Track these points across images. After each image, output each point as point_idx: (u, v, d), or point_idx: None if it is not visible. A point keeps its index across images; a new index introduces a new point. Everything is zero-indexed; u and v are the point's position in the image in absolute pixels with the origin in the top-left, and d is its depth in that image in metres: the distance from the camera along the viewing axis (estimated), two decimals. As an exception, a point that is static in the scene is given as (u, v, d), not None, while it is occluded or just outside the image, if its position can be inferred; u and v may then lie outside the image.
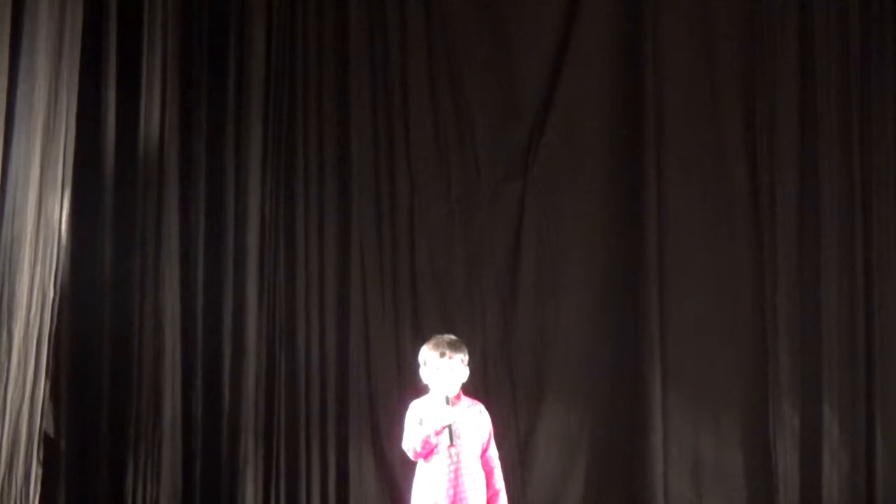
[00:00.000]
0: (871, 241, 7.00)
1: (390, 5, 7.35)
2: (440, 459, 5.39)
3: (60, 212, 5.91)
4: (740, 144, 7.22)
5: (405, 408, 5.58)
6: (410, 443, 5.44)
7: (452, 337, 5.56)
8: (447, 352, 5.45)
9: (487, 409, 5.67)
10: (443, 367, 5.44)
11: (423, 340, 5.66)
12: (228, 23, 7.08)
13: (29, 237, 5.65)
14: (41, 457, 5.90)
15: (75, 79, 6.06)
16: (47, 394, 5.90)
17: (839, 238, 7.02)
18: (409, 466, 5.67)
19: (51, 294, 5.88)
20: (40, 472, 5.87)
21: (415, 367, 5.61)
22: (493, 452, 5.59)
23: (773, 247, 7.10)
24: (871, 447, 6.87)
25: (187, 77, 6.96)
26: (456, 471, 5.39)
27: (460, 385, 5.52)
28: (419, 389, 5.65)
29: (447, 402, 5.39)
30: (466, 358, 5.49)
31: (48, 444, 6.04)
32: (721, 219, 7.21)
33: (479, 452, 5.51)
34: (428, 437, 5.35)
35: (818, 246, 7.04)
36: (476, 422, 5.53)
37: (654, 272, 7.15)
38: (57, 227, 5.89)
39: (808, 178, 7.10)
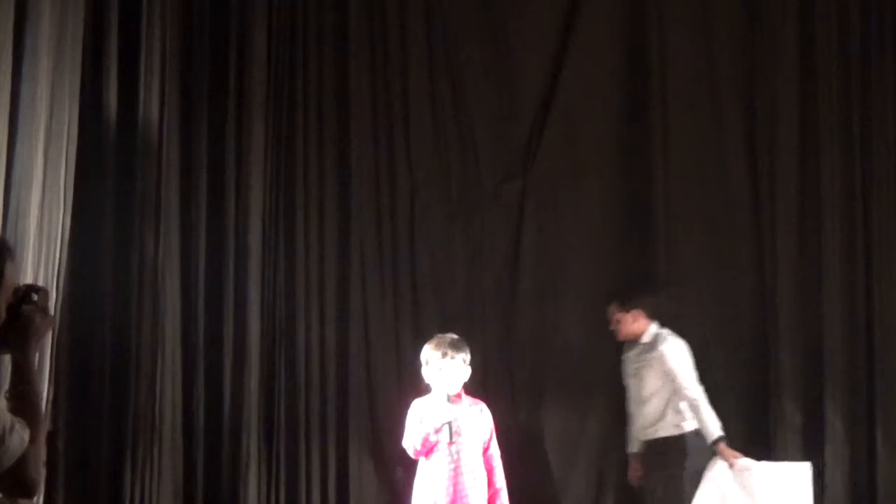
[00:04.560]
0: (871, 241, 7.00)
1: (390, 5, 7.35)
2: (441, 458, 5.41)
3: (63, 213, 5.90)
4: (740, 144, 7.24)
5: (405, 407, 5.59)
6: (411, 441, 5.46)
7: (454, 336, 5.58)
8: (449, 351, 5.47)
9: (487, 408, 5.68)
10: (445, 367, 5.45)
11: (424, 340, 5.67)
12: (228, 22, 7.07)
13: (32, 239, 5.63)
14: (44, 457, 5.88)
15: (77, 80, 6.05)
16: (51, 395, 5.89)
17: (839, 237, 7.03)
18: (410, 466, 5.68)
19: (53, 295, 5.87)
20: (44, 472, 5.85)
21: (415, 366, 5.62)
22: (495, 451, 5.61)
23: (773, 246, 7.11)
24: (873, 446, 6.86)
25: (187, 76, 6.95)
26: (456, 469, 5.40)
27: (462, 384, 5.53)
28: (420, 389, 5.66)
29: (448, 400, 5.40)
30: (468, 357, 5.51)
31: (49, 444, 6.03)
32: (721, 218, 7.22)
33: (481, 451, 5.53)
34: (427, 434, 5.37)
35: (818, 245, 7.05)
36: (477, 421, 5.55)
37: (654, 272, 7.17)
38: (59, 228, 5.87)
39: (809, 177, 7.11)
